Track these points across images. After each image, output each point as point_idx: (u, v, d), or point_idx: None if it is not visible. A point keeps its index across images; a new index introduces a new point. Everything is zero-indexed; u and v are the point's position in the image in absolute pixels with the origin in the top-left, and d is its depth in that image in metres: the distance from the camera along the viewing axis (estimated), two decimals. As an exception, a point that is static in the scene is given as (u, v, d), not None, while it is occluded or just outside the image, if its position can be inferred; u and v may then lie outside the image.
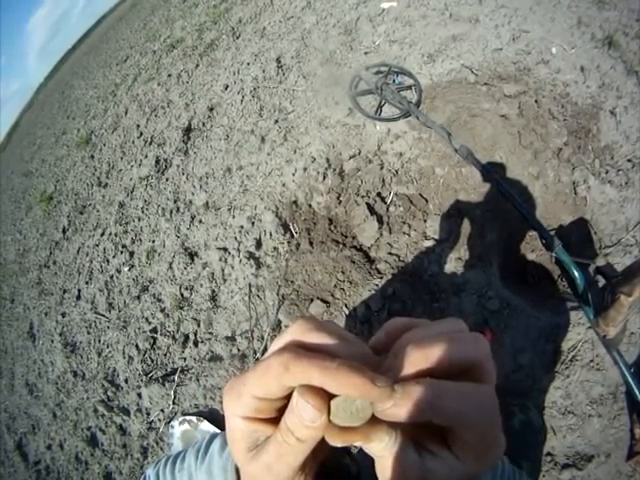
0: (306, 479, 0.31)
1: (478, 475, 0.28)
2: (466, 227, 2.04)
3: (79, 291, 2.97)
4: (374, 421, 0.26)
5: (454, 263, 1.95)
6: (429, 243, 2.00)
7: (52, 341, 2.82)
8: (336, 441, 0.26)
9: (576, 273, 1.45)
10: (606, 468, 1.49)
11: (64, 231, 3.66)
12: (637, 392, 1.39)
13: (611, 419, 1.54)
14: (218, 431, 1.91)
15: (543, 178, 2.15)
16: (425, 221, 2.06)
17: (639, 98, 2.05)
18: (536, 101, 2.26)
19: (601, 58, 2.21)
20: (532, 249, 2.22)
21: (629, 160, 1.95)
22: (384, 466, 0.28)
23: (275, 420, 0.29)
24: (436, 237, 2.01)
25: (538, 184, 2.16)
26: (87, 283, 2.96)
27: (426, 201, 2.13)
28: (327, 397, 0.25)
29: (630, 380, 1.40)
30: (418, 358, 0.27)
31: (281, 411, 0.28)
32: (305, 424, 0.25)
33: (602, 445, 1.52)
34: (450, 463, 0.27)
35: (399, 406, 0.25)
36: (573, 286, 1.51)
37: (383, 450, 0.27)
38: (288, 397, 0.27)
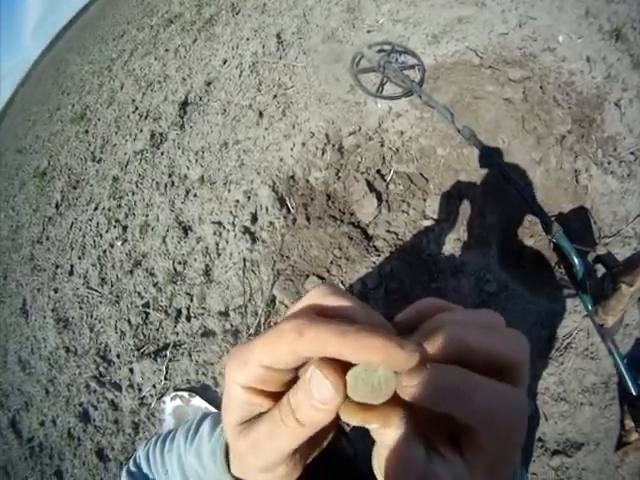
0: (295, 468, 0.27)
1: None
2: (466, 208, 2.02)
3: (72, 266, 2.94)
4: (392, 404, 0.23)
5: (453, 244, 1.94)
6: (428, 223, 1.98)
7: (44, 317, 2.80)
8: (352, 418, 0.23)
9: (576, 260, 1.44)
10: (595, 457, 1.50)
11: (57, 206, 3.61)
12: (629, 383, 1.40)
13: (602, 408, 1.55)
14: (210, 407, 1.91)
15: (545, 164, 2.12)
16: (425, 200, 2.04)
17: (645, 92, 2.03)
18: (541, 87, 2.23)
19: (608, 50, 2.17)
20: (531, 234, 2.21)
21: (632, 153, 1.93)
22: (386, 456, 0.25)
23: (279, 396, 0.26)
24: (435, 217, 1.99)
25: (540, 170, 2.14)
26: (80, 258, 2.93)
27: (426, 180, 2.11)
28: (344, 377, 0.22)
29: (623, 371, 1.41)
30: (453, 343, 0.24)
31: (288, 387, 0.25)
32: (313, 404, 0.22)
33: (592, 434, 1.53)
34: (457, 470, 0.24)
35: (428, 384, 0.22)
36: (571, 273, 1.50)
37: (394, 438, 0.24)
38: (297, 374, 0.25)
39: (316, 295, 0.27)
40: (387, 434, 0.24)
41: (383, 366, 0.22)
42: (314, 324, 0.23)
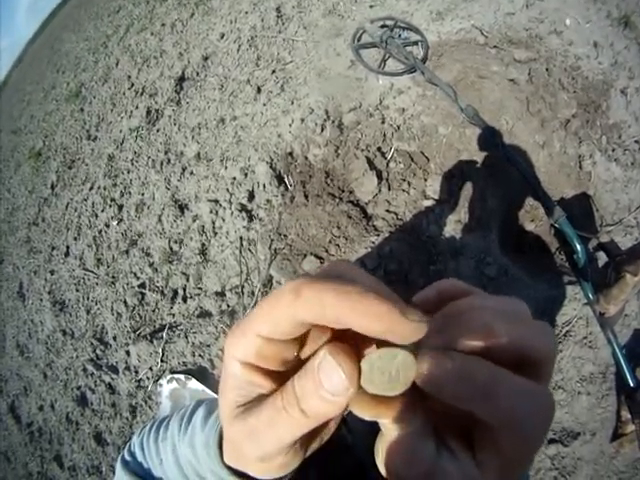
0: (294, 458, 0.25)
1: None
2: (467, 189, 1.99)
3: (68, 248, 2.92)
4: (406, 396, 0.22)
5: (453, 225, 1.92)
6: (429, 203, 1.95)
7: (41, 300, 2.79)
8: (365, 412, 0.22)
9: (578, 246, 1.42)
10: (590, 447, 1.50)
11: (53, 187, 3.57)
12: (627, 375, 1.40)
13: (599, 398, 1.55)
14: (207, 390, 1.90)
15: (549, 148, 2.10)
16: (425, 180, 2.00)
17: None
18: (547, 69, 2.19)
19: (615, 36, 2.12)
20: (532, 219, 2.19)
21: (636, 141, 1.91)
22: (391, 449, 0.23)
23: (278, 377, 0.24)
24: (436, 197, 1.96)
25: (543, 153, 2.11)
26: (75, 239, 2.90)
27: (427, 159, 2.06)
28: (358, 365, 0.20)
29: (622, 361, 1.41)
30: (479, 330, 0.22)
31: (289, 367, 0.24)
32: (322, 395, 0.20)
33: (588, 423, 1.53)
34: (467, 470, 0.22)
35: (452, 376, 0.20)
36: (572, 260, 1.49)
37: (403, 432, 0.22)
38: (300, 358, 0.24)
39: (330, 266, 0.25)
40: (397, 428, 0.22)
41: (403, 351, 0.20)
42: (313, 283, 0.20)
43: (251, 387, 0.24)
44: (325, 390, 0.20)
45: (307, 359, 0.22)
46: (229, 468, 0.30)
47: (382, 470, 0.24)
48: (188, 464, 0.39)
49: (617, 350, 1.40)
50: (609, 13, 2.18)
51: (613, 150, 1.91)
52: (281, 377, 0.23)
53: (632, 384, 1.39)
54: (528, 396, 0.21)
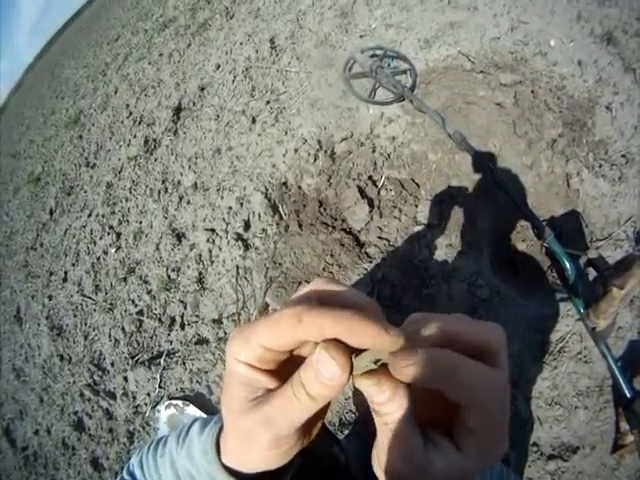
0: (296, 444, 0.30)
1: (474, 476, 0.28)
2: (458, 214, 2.02)
3: (66, 273, 2.93)
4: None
5: (445, 249, 1.94)
6: (420, 228, 1.98)
7: (39, 324, 2.79)
8: (362, 382, 0.26)
9: (567, 264, 1.44)
10: (591, 460, 1.50)
11: (51, 213, 3.61)
12: (623, 386, 1.39)
13: (597, 412, 1.55)
14: (204, 415, 1.90)
15: (536, 168, 2.13)
16: (416, 206, 2.04)
17: (635, 95, 2.03)
18: (532, 91, 2.23)
19: (599, 53, 2.17)
20: (523, 239, 2.21)
21: (623, 156, 1.93)
22: (388, 445, 0.27)
23: (274, 373, 0.28)
24: (427, 222, 1.99)
25: (531, 174, 2.14)
26: (74, 265, 2.92)
27: (418, 186, 2.11)
28: (350, 356, 0.25)
29: (617, 374, 1.40)
30: (435, 328, 0.27)
31: (282, 365, 0.28)
32: (321, 381, 0.25)
33: (587, 437, 1.53)
34: (450, 456, 0.27)
35: (419, 363, 0.25)
36: (563, 277, 1.51)
37: (397, 419, 0.26)
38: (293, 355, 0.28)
39: (317, 284, 0.30)
40: (391, 412, 0.26)
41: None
42: (312, 310, 0.25)
43: (256, 384, 0.28)
44: (323, 377, 0.24)
45: (298, 357, 0.28)
46: (227, 470, 0.33)
47: (380, 475, 0.28)
48: (187, 474, 0.40)
49: (612, 362, 1.40)
50: (592, 31, 2.24)
51: (600, 166, 1.93)
52: (278, 374, 0.28)
53: (629, 395, 1.39)
54: (483, 375, 0.26)
